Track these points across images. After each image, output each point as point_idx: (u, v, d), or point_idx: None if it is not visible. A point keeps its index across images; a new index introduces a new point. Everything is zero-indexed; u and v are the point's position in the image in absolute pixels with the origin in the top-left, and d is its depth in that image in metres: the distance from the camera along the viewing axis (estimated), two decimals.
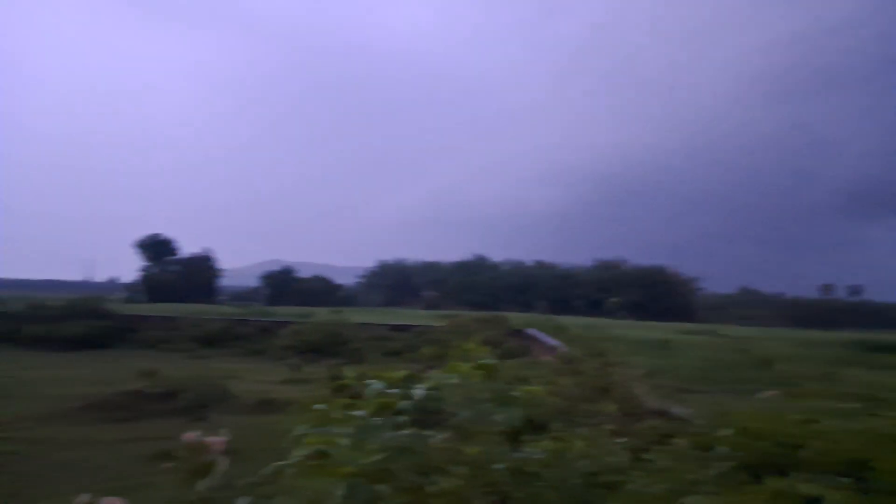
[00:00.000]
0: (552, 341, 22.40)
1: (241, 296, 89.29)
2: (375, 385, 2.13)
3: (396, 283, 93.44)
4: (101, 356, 32.75)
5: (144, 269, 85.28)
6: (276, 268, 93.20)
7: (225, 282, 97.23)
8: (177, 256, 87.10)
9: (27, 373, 26.06)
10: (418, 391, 2.07)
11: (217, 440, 1.76)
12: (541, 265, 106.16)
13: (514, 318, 38.42)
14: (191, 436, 1.75)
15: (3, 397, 19.99)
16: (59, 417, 17.47)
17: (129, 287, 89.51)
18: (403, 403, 2.02)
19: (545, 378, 8.40)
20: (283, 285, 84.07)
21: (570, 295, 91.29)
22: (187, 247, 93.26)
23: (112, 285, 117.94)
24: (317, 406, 2.00)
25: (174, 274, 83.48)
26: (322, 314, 39.89)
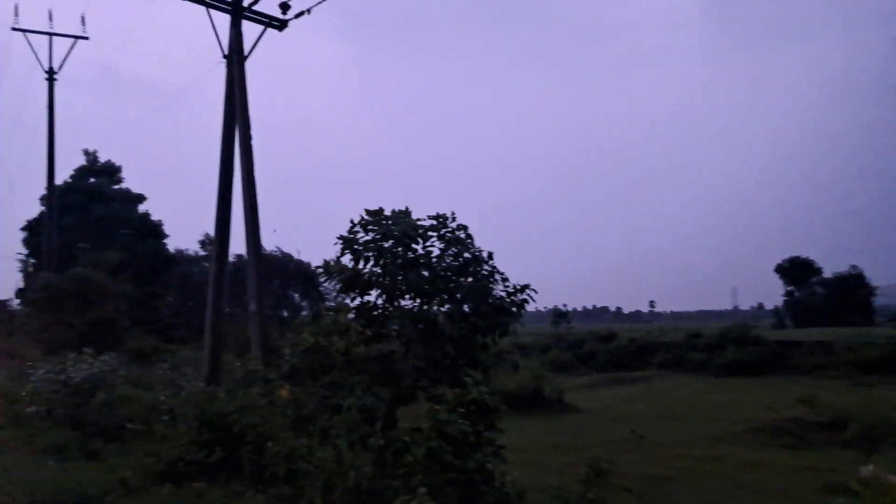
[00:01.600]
0: None
1: None
2: None
3: None
4: (756, 382, 33.52)
5: (787, 294, 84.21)
6: None
7: (880, 301, 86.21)
8: (821, 277, 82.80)
9: (692, 396, 28.90)
10: None
11: None
12: None
13: None
14: (868, 470, 1.62)
15: (676, 418, 22.66)
16: (725, 439, 18.63)
17: (774, 313, 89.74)
18: None
19: None
20: None
21: None
22: (832, 266, 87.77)
23: (757, 312, 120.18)
24: None
25: (820, 296, 79.25)
26: None
